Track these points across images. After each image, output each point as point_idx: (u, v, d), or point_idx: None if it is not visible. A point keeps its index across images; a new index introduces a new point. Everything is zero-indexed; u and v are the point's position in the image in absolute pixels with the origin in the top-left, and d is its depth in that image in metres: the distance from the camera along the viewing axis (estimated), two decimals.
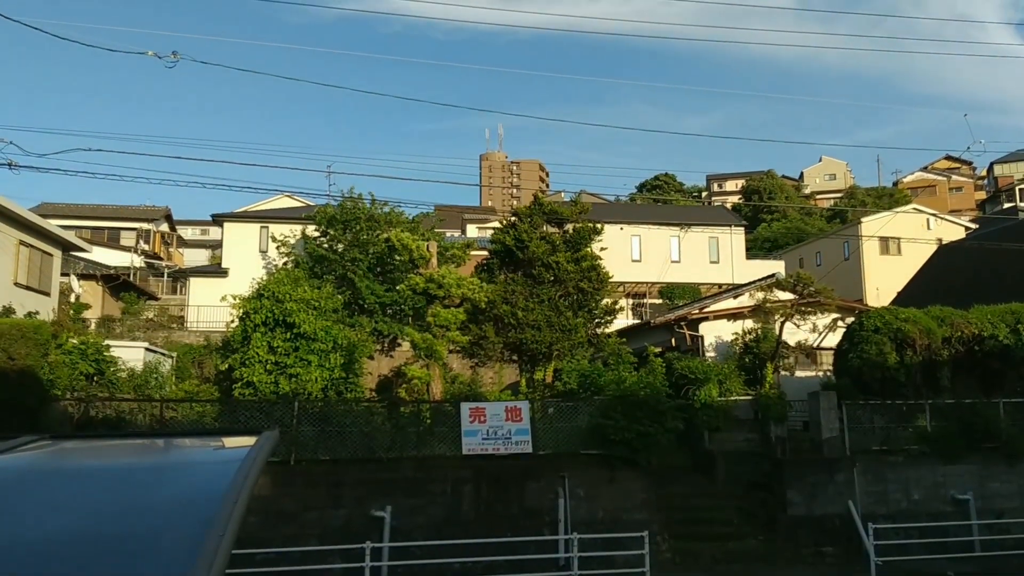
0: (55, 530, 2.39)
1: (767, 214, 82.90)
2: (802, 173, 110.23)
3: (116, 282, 38.36)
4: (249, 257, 40.34)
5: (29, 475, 3.01)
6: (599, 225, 25.60)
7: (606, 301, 24.76)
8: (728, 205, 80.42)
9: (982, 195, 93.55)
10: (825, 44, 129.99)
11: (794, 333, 23.30)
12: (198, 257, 67.60)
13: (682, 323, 26.70)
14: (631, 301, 45.87)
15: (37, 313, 23.29)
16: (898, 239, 47.63)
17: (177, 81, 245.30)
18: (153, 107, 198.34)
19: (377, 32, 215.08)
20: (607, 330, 25.02)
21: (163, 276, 52.68)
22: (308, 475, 16.51)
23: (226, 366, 19.95)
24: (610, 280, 25.07)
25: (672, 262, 46.69)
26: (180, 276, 50.91)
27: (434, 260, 23.13)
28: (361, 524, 16.01)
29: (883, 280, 45.56)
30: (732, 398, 20.86)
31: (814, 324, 23.21)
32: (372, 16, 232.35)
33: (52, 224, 28.22)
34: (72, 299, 33.02)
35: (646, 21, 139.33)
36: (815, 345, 23.68)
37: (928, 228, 50.17)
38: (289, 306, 19.10)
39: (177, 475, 3.10)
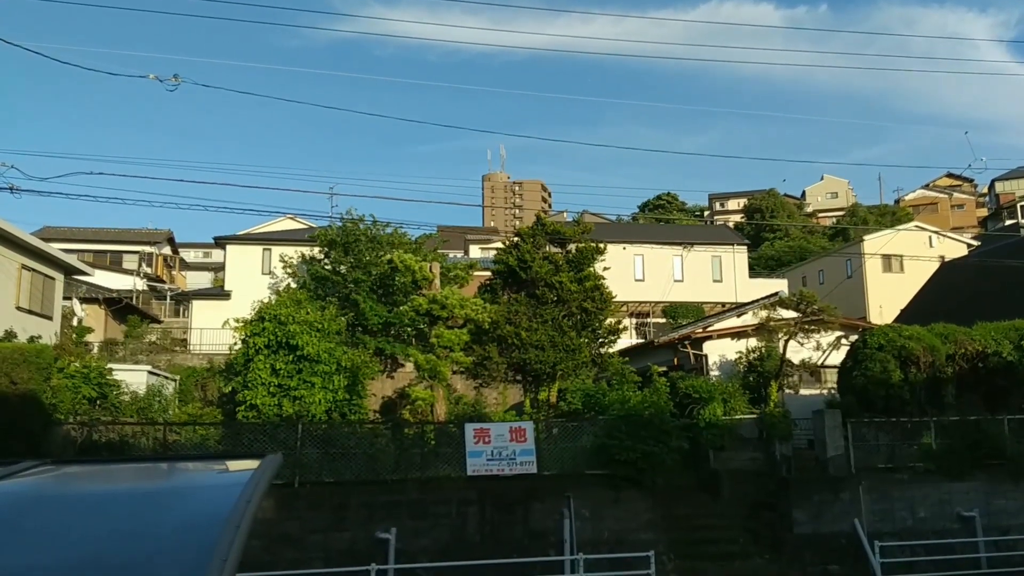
0: (57, 558, 2.38)
1: (769, 233, 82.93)
2: (804, 192, 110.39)
3: (119, 305, 38.36)
4: (252, 279, 40.32)
5: (31, 501, 3.00)
6: (602, 245, 25.61)
7: (609, 321, 24.72)
8: (730, 224, 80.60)
9: (984, 212, 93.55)
10: (817, 63, 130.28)
11: (798, 351, 23.24)
12: (201, 280, 67.67)
13: (686, 342, 26.65)
14: (634, 320, 45.85)
15: (39, 337, 23.28)
16: (900, 257, 47.60)
17: (179, 104, 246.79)
18: (155, 130, 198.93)
19: (372, 55, 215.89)
20: (611, 350, 24.96)
21: (166, 299, 52.67)
22: (312, 497, 16.46)
23: (229, 389, 19.93)
24: (613, 300, 25.04)
25: (675, 281, 46.70)
26: (183, 299, 50.91)
27: (437, 281, 23.11)
28: (366, 547, 15.94)
29: (886, 298, 45.49)
30: (737, 417, 20.76)
31: (818, 342, 23.15)
32: (366, 38, 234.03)
33: (54, 248, 28.26)
34: (75, 323, 33.02)
35: (638, 41, 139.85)
36: (819, 363, 23.59)
37: (930, 245, 50.13)
38: (292, 328, 19.07)
39: (180, 500, 3.09)
